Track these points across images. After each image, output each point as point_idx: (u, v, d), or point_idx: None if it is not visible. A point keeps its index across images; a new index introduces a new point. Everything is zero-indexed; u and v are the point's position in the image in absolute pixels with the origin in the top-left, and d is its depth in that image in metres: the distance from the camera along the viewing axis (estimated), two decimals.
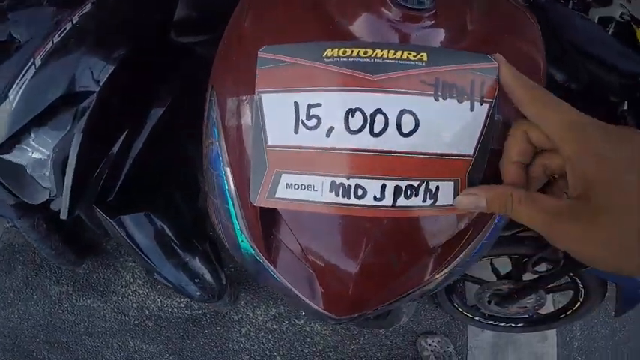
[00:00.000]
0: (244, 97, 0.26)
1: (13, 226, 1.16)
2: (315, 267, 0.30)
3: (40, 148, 0.52)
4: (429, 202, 0.24)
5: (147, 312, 1.38)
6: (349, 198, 0.23)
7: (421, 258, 0.30)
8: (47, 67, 0.53)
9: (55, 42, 0.54)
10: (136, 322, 1.39)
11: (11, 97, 0.53)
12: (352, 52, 0.23)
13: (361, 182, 0.23)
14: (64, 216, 0.50)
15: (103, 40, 0.54)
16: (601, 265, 0.19)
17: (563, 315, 1.10)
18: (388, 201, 0.23)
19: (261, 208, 0.27)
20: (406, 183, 0.23)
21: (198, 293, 0.68)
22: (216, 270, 0.69)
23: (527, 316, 1.16)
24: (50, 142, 0.52)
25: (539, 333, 1.34)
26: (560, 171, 0.21)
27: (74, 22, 0.55)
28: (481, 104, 0.23)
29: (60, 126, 0.52)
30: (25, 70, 0.53)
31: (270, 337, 1.32)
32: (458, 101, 0.22)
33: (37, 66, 0.53)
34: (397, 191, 0.23)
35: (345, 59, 0.23)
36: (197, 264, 0.66)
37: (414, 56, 0.23)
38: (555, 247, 0.83)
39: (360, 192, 0.23)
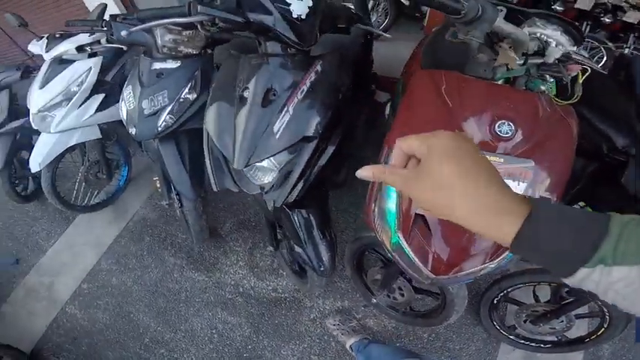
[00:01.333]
0: None
1: (169, 204, 1.64)
2: (433, 247, 0.69)
3: (274, 163, 0.90)
4: None
5: (240, 289, 1.78)
6: None
7: (481, 251, 0.68)
8: (296, 114, 0.85)
9: (299, 97, 0.86)
10: (229, 296, 1.77)
11: (274, 129, 0.85)
12: None
13: None
14: (278, 204, 0.91)
15: (324, 100, 0.89)
16: (419, 200, 0.34)
17: (588, 339, 1.31)
18: None
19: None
20: None
21: (321, 269, 1.08)
22: (334, 257, 1.10)
23: (555, 338, 1.39)
24: (282, 161, 0.90)
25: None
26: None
27: (307, 85, 0.87)
28: (523, 182, 0.61)
29: (291, 151, 0.89)
30: (283, 113, 0.85)
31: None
32: (513, 180, 0.61)
33: (290, 113, 0.85)
34: None
35: None
36: (325, 249, 1.07)
37: (497, 160, 0.62)
38: None
39: None
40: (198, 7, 0.74)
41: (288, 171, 0.91)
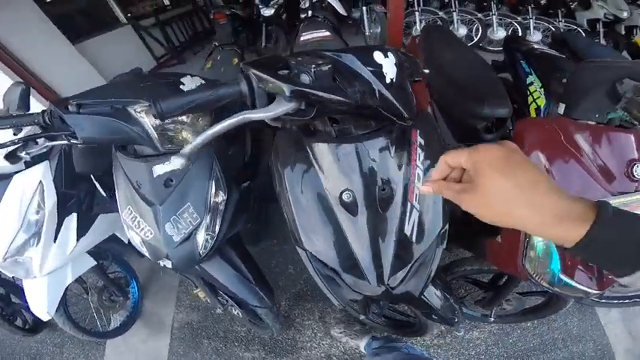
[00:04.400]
0: None
1: (224, 309, 1.42)
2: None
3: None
4: None
5: (334, 359, 1.67)
6: None
7: None
8: (424, 205, 0.75)
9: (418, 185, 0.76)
10: None
11: (407, 233, 0.73)
12: None
13: None
14: (417, 295, 0.81)
15: None
16: (480, 216, 0.37)
17: None
18: None
19: None
20: None
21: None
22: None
23: None
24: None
25: None
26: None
27: (422, 168, 0.74)
28: None
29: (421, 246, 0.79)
30: (409, 211, 0.73)
31: (440, 350, 1.63)
32: None
33: (417, 208, 0.74)
34: None
35: None
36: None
37: None
38: None
39: None
40: (287, 88, 0.48)
41: (419, 264, 0.80)
